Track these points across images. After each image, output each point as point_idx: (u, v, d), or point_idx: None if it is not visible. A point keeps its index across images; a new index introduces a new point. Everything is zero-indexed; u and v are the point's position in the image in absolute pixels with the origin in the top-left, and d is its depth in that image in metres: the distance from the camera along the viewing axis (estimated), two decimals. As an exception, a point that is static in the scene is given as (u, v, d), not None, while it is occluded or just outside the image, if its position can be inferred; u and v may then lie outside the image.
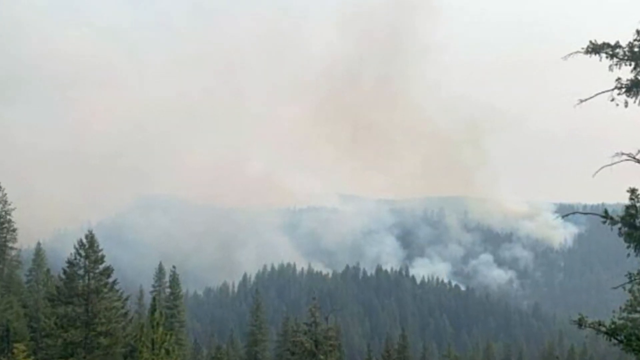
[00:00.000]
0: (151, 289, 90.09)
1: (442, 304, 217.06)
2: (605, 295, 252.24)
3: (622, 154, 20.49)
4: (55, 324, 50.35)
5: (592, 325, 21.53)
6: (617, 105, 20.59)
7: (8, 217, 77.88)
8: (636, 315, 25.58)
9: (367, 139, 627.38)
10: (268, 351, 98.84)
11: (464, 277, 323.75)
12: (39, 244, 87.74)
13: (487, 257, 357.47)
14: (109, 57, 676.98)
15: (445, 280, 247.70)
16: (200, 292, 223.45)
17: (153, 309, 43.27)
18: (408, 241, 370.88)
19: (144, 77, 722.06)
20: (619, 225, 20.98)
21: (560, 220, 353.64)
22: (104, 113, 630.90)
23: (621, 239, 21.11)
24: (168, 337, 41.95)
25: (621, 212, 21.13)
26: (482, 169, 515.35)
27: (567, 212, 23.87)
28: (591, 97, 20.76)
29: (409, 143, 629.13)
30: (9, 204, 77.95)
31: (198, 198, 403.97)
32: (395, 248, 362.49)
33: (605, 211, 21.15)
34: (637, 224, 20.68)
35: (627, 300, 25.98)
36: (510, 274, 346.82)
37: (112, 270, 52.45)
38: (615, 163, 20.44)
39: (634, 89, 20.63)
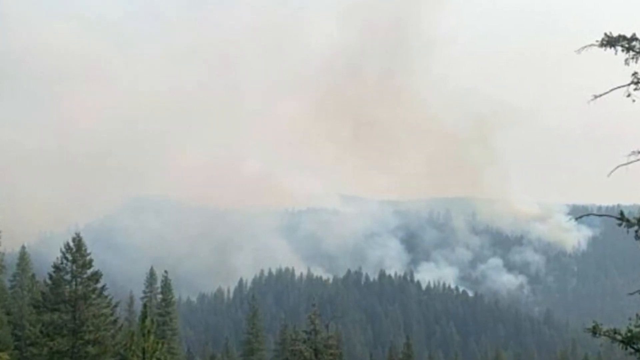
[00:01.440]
0: (142, 294, 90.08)
1: (448, 311, 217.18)
2: (620, 302, 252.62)
3: (639, 152, 20.49)
4: (41, 331, 50.36)
5: (607, 334, 21.51)
6: (634, 101, 20.57)
7: (-9, 219, 77.85)
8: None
9: (370, 137, 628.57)
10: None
11: (472, 283, 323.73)
12: (23, 247, 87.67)
13: (496, 261, 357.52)
14: (98, 51, 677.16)
15: (452, 286, 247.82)
16: (193, 298, 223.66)
17: (144, 316, 43.22)
18: (413, 244, 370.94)
19: (134, 72, 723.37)
20: (636, 227, 20.96)
21: (573, 222, 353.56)
22: (92, 109, 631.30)
23: (638, 243, 21.10)
24: (160, 345, 41.89)
25: (638, 214, 21.11)
26: (491, 168, 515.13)
27: (580, 214, 23.88)
28: (606, 93, 20.74)
29: (414, 141, 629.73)
30: (-8, 206, 77.94)
31: (191, 199, 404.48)
32: (399, 252, 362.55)
33: (621, 213, 21.14)
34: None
35: (644, 307, 25.96)
36: (521, 279, 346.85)
37: (101, 275, 52.50)
38: (631, 162, 20.43)
39: (651, 84, 20.61)
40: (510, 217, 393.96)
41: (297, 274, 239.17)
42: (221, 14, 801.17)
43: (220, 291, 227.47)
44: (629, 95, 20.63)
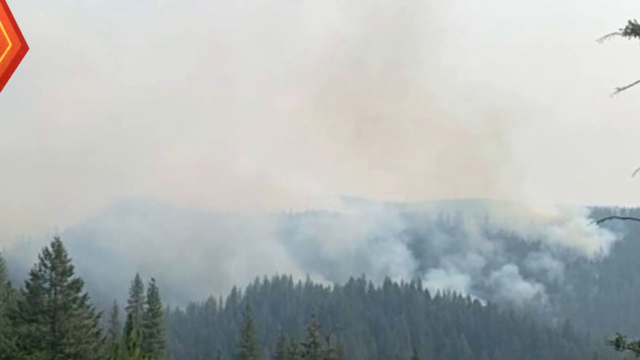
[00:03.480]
0: (127, 304, 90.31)
1: (459, 322, 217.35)
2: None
3: (666, 150, 20.48)
4: (17, 344, 50.34)
5: (631, 346, 21.53)
6: (660, 94, 20.58)
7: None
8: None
9: (374, 134, 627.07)
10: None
11: (485, 291, 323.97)
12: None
13: (511, 268, 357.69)
14: (79, 40, 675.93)
15: (464, 295, 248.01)
16: (183, 309, 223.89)
17: (129, 328, 43.36)
18: (420, 250, 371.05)
19: (119, 63, 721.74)
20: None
21: (595, 225, 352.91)
22: (74, 104, 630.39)
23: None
24: None
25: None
26: (506, 167, 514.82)
27: (602, 217, 23.87)
28: (630, 85, 20.76)
29: (422, 138, 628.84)
30: (-35, 208, 78.09)
31: (181, 201, 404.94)
32: (406, 258, 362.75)
33: (647, 216, 21.16)
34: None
35: (672, 318, 25.98)
36: (538, 287, 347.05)
37: (83, 283, 52.45)
38: (658, 161, 20.43)
39: (679, 76, 20.61)
40: (526, 221, 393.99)
41: (295, 281, 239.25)
42: (213, 1, 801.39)
43: (211, 300, 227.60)
44: (655, 88, 20.64)
